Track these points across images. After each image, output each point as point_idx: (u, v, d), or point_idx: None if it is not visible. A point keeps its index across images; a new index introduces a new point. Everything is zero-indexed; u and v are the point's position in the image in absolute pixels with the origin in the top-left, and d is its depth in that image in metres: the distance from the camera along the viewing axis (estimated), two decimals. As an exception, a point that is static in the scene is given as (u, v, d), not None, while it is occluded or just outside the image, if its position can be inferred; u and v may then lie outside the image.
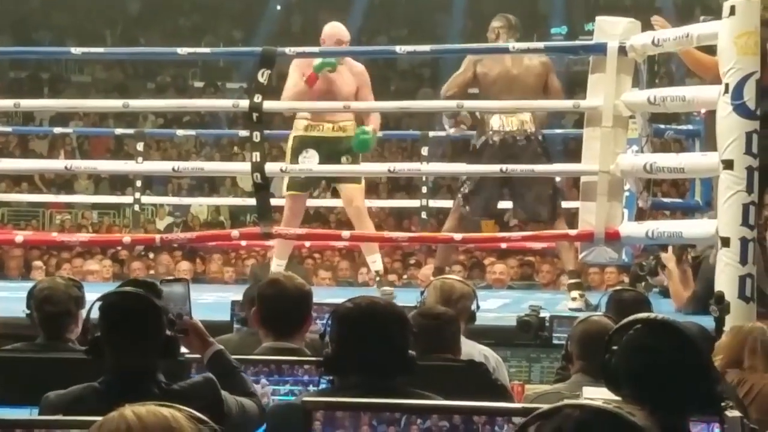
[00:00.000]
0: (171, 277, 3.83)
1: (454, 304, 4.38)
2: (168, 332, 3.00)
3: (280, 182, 8.19)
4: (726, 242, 5.13)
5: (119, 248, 11.58)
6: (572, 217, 6.98)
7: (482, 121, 7.03)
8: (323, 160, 7.18)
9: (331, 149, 7.23)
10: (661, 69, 8.08)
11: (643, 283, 7.55)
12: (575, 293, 6.71)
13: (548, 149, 7.32)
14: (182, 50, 6.99)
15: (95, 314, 3.10)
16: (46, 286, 4.23)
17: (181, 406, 1.63)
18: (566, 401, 1.59)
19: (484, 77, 7.05)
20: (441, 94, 7.24)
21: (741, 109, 5.13)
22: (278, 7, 25.78)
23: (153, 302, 3.01)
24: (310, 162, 7.18)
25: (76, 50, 7.41)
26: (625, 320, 2.56)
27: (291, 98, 7.18)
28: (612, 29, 6.17)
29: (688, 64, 6.12)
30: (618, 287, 5.09)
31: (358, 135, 7.15)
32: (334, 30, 7.29)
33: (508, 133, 6.95)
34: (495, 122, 6.97)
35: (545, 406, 1.60)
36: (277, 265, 7.52)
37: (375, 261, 7.55)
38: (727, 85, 5.17)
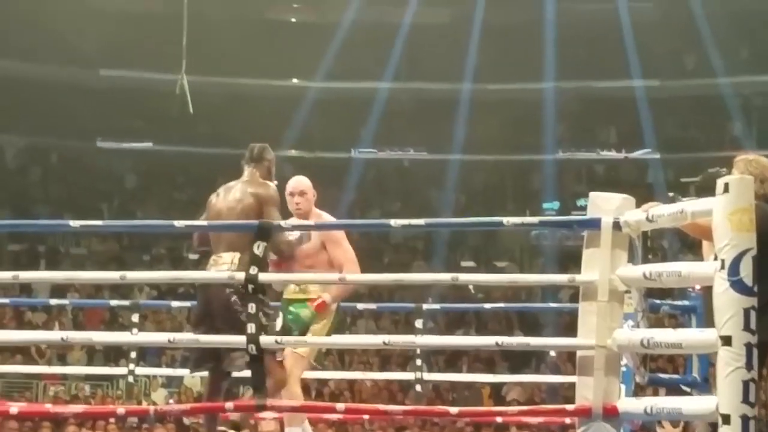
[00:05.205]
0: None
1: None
2: None
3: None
4: (726, 419, 5.09)
5: (112, 420, 11.48)
6: (570, 392, 6.93)
7: None
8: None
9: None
10: (653, 244, 8.13)
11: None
12: None
13: None
14: (179, 223, 7.02)
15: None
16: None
17: None
18: None
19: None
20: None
21: (738, 286, 5.14)
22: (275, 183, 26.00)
23: None
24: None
25: (74, 223, 7.37)
26: None
27: None
28: (606, 204, 6.22)
29: (689, 232, 6.15)
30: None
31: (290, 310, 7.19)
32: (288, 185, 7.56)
33: None
34: None
35: None
36: None
37: None
38: (723, 261, 5.20)
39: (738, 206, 5.21)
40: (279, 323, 7.24)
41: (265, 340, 6.44)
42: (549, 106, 26.48)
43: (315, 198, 7.60)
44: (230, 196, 6.97)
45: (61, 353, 18.30)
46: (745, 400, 5.07)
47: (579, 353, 6.29)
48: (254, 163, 7.12)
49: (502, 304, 13.73)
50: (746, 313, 5.11)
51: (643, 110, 26.16)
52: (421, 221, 6.94)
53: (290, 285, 7.33)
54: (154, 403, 13.70)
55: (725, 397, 5.13)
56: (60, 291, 19.23)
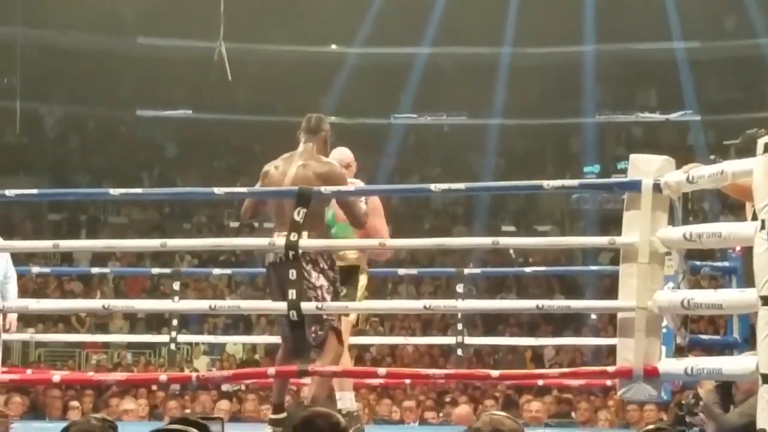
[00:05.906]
0: (206, 416, 3.82)
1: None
2: None
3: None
4: (766, 379, 5.07)
5: (155, 387, 11.57)
6: (611, 356, 6.93)
7: None
8: None
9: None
10: (694, 206, 8.07)
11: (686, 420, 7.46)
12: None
13: None
14: (219, 190, 7.02)
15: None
16: (81, 429, 4.17)
17: None
18: None
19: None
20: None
21: (778, 245, 5.11)
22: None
23: None
24: None
25: (115, 191, 7.39)
26: None
27: None
28: (646, 167, 6.19)
29: (729, 193, 6.12)
30: (652, 426, 4.99)
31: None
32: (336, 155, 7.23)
33: None
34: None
35: None
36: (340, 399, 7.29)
37: (341, 398, 7.18)
38: (763, 221, 5.16)
39: (779, 166, 5.16)
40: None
41: (306, 306, 6.45)
42: (589, 69, 26.34)
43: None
44: (292, 173, 6.70)
45: (103, 322, 18.43)
46: (786, 359, 5.04)
47: (620, 315, 6.29)
48: (311, 134, 6.83)
49: (542, 268, 13.73)
50: (787, 272, 5.07)
51: (684, 72, 25.97)
52: (461, 185, 6.91)
53: None
54: (196, 370, 13.79)
55: (765, 356, 5.11)
56: (101, 260, 19.36)
